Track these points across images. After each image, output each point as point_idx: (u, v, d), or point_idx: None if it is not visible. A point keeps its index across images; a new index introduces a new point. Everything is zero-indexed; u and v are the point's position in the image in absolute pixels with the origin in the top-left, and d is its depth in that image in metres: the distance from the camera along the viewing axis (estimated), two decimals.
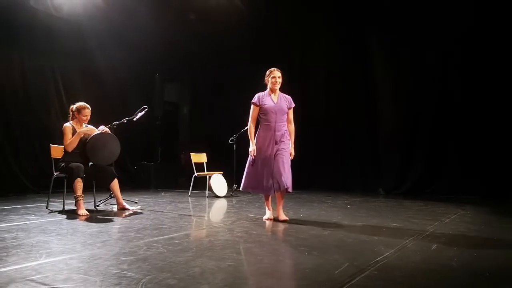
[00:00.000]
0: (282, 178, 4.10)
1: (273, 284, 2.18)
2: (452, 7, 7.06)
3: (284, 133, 4.29)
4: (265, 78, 4.37)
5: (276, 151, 4.19)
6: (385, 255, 2.82)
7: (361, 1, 7.91)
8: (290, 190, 4.18)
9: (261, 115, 4.33)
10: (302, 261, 2.69)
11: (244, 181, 4.35)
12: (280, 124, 4.27)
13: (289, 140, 4.31)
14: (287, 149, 4.25)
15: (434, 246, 3.11)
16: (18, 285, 2.12)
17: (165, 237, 3.40)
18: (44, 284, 2.13)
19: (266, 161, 4.19)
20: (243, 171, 4.40)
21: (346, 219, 4.50)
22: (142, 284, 2.13)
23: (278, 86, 4.31)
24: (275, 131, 4.22)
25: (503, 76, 6.72)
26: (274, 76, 4.30)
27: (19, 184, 7.11)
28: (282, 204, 4.36)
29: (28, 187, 7.16)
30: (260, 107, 4.30)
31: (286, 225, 4.07)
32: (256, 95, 4.35)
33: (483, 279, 2.36)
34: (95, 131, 5.07)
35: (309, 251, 2.92)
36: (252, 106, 4.35)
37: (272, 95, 4.34)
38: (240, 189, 4.42)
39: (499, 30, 6.70)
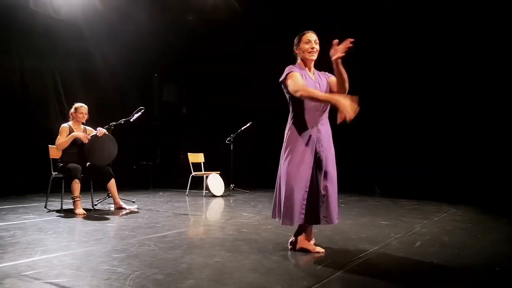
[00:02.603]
0: (334, 209, 2.83)
1: (255, 278, 2.27)
2: (449, 7, 7.13)
3: (328, 129, 2.92)
4: (294, 47, 2.96)
5: (320, 161, 2.80)
6: (368, 251, 2.91)
7: (361, 1, 7.97)
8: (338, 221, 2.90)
9: (294, 103, 2.87)
10: (288, 258, 2.78)
11: (285, 208, 2.77)
12: (321, 112, 2.85)
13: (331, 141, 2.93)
14: (334, 157, 2.91)
15: (418, 243, 3.21)
16: (12, 280, 2.22)
17: (157, 235, 3.50)
18: (37, 279, 2.23)
19: (306, 175, 2.78)
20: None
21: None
22: (131, 279, 2.23)
23: (315, 57, 2.91)
24: (317, 125, 2.83)
25: (506, 79, 6.77)
26: (310, 40, 2.85)
27: (19, 184, 7.24)
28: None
29: (27, 187, 7.28)
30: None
31: (277, 224, 4.15)
32: (288, 67, 2.90)
33: (460, 273, 2.45)
34: (92, 132, 5.19)
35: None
36: (291, 75, 2.79)
37: (307, 70, 2.93)
38: (281, 222, 2.80)
39: (498, 31, 6.75)
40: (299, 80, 2.76)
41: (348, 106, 2.42)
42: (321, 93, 2.70)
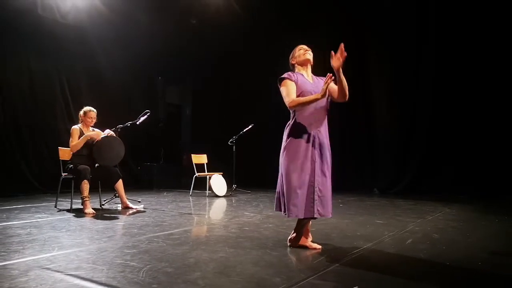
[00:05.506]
0: (329, 202, 3.06)
1: (257, 271, 2.49)
2: (449, 8, 7.30)
3: (326, 130, 3.13)
4: (290, 60, 3.24)
5: (319, 158, 3.03)
6: (362, 247, 3.13)
7: (361, 1, 8.16)
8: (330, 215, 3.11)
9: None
10: (287, 253, 3.00)
11: (293, 202, 2.97)
12: (321, 114, 3.09)
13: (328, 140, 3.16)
14: (330, 157, 3.12)
15: (409, 241, 3.41)
16: (36, 272, 2.44)
17: (165, 233, 3.72)
18: (58, 272, 2.45)
19: (306, 172, 2.99)
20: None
21: (336, 216, 4.77)
22: (143, 272, 2.45)
23: (310, 55, 3.18)
24: (315, 124, 3.05)
25: (498, 78, 6.90)
26: (302, 47, 3.20)
27: (28, 184, 7.46)
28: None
29: (36, 188, 7.51)
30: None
31: (277, 223, 4.37)
32: (286, 73, 3.13)
33: (443, 267, 2.66)
34: (101, 134, 5.41)
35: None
36: (285, 82, 3.06)
37: (304, 72, 3.17)
38: (287, 215, 3.02)
39: (498, 32, 6.87)
40: (290, 91, 3.03)
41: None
42: (303, 99, 2.96)
